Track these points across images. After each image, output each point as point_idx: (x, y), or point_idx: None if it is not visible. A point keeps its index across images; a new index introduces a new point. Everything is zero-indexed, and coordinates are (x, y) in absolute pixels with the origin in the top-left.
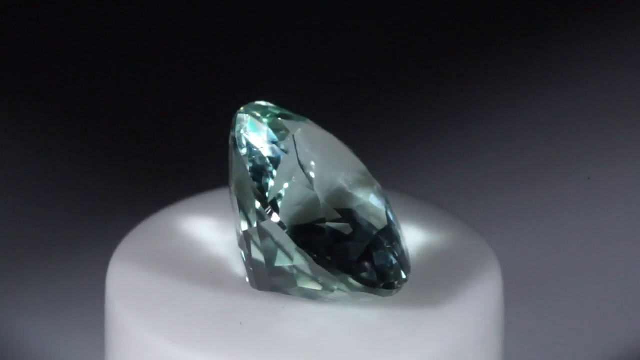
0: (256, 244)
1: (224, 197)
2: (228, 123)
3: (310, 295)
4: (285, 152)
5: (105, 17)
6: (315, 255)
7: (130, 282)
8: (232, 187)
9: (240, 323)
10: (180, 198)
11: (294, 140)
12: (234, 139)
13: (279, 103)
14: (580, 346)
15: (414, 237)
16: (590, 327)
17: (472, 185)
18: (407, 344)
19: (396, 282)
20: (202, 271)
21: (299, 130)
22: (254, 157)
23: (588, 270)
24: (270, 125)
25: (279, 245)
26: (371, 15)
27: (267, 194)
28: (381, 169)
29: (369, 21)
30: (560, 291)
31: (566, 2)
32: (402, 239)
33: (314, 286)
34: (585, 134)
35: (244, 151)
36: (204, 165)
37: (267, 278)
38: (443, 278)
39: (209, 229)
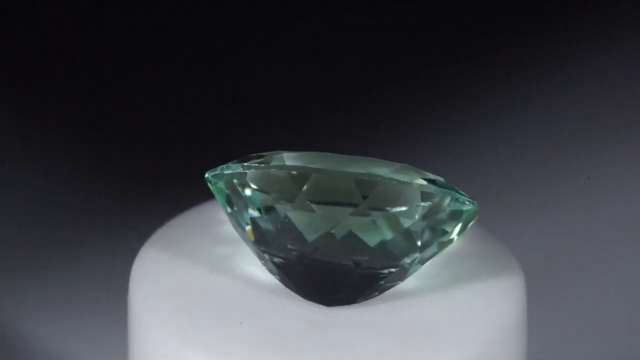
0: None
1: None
2: (231, 123)
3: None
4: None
5: (107, 18)
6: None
7: (150, 288)
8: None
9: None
10: (180, 198)
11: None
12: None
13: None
14: (581, 345)
15: None
16: (589, 326)
17: (471, 185)
18: (432, 346)
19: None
20: (210, 274)
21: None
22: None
23: (588, 270)
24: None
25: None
26: (371, 15)
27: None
28: None
29: (369, 21)
30: (559, 290)
31: (566, 2)
32: None
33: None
34: (585, 134)
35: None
36: (205, 166)
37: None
38: (465, 282)
39: (217, 234)
